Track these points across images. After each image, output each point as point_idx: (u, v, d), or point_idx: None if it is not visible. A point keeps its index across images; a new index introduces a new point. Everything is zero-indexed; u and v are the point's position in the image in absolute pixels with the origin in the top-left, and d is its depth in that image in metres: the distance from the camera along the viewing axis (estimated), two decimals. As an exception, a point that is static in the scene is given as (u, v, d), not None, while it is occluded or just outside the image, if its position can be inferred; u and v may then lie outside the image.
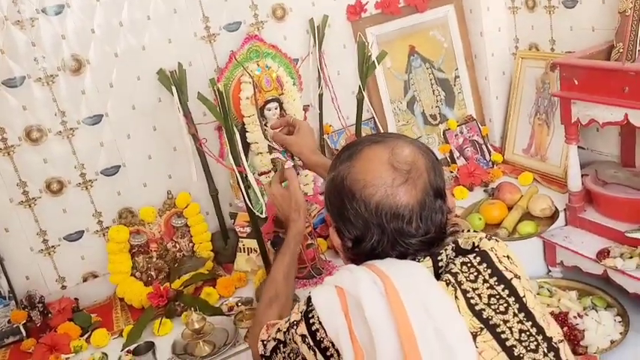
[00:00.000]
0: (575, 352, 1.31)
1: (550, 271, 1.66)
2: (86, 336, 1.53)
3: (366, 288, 0.80)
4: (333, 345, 0.82)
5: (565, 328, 1.36)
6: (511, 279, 0.85)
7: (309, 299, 0.87)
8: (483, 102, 2.09)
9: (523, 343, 0.81)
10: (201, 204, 1.77)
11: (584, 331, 1.38)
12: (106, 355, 1.44)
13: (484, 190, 1.88)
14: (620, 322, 1.41)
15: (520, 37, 1.98)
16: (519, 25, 1.97)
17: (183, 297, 1.53)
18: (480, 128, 2.04)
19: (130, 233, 1.69)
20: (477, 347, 0.77)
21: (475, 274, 0.85)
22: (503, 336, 0.80)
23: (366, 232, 0.85)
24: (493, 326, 0.80)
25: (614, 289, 1.45)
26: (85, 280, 1.73)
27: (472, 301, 0.81)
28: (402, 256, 0.85)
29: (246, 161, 1.65)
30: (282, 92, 1.73)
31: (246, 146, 1.68)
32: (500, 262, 0.87)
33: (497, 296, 0.83)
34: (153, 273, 1.70)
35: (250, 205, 1.53)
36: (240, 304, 1.53)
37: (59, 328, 1.53)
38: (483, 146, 2.02)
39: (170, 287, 1.56)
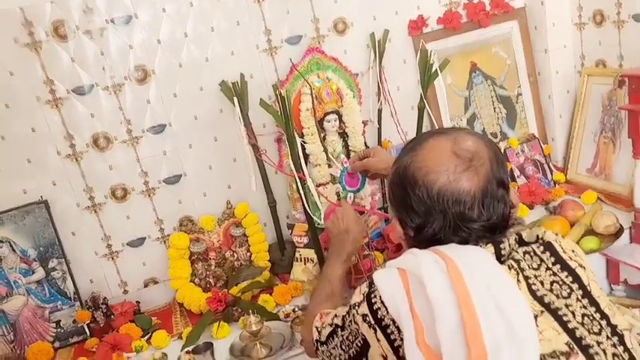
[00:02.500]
0: None
1: (612, 289, 1.54)
2: (147, 337, 1.50)
3: (427, 266, 0.77)
4: (394, 322, 0.79)
5: None
6: (575, 267, 0.81)
7: (371, 281, 0.85)
8: (546, 120, 1.96)
9: (585, 326, 0.74)
10: (259, 215, 1.69)
11: None
12: (165, 355, 1.41)
13: (545, 208, 1.74)
14: None
15: (586, 53, 1.84)
16: (586, 42, 1.83)
17: (241, 302, 1.50)
18: (542, 147, 1.92)
19: (190, 241, 1.64)
20: (537, 326, 0.72)
21: (538, 262, 0.80)
22: (565, 318, 0.74)
23: (428, 219, 0.82)
24: (555, 310, 0.75)
25: None
26: (145, 286, 1.68)
27: (533, 287, 0.77)
28: (463, 242, 0.82)
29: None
30: (341, 105, 1.62)
31: (305, 158, 1.59)
32: (565, 252, 0.82)
33: (560, 282, 0.78)
34: (211, 280, 1.63)
35: (310, 212, 1.46)
36: (297, 309, 1.48)
37: (121, 328, 1.52)
38: (545, 165, 1.90)
39: (228, 293, 1.52)
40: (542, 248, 0.81)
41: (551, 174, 1.86)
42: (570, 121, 1.87)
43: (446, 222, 0.79)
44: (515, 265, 0.79)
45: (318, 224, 1.48)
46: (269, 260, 1.67)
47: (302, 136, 1.59)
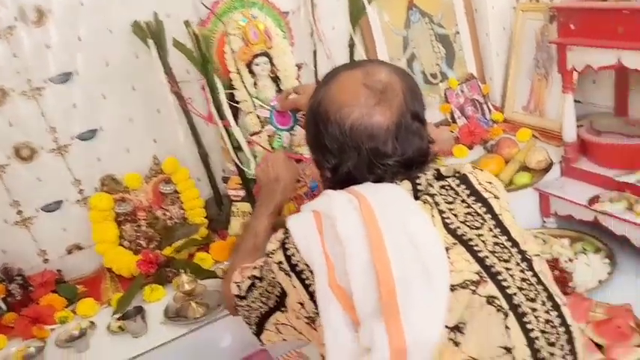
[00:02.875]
0: (564, 293, 1.26)
1: (545, 222, 1.59)
2: (72, 307, 1.37)
3: (339, 205, 0.74)
4: (308, 267, 0.75)
5: (556, 272, 1.33)
6: (489, 198, 0.80)
7: (286, 227, 0.79)
8: (484, 59, 1.90)
9: (496, 254, 0.74)
10: (191, 169, 1.56)
11: (572, 273, 1.35)
12: (93, 323, 1.30)
13: (483, 148, 1.74)
14: (608, 263, 1.38)
15: (521, -12, 1.87)
16: (520, -25, 1.84)
17: (175, 262, 1.39)
18: (480, 87, 1.88)
19: (115, 201, 1.48)
20: (449, 258, 0.71)
21: (453, 195, 0.78)
22: (476, 248, 0.74)
23: (343, 157, 0.78)
24: (466, 241, 0.74)
25: (604, 234, 1.42)
26: (69, 253, 1.51)
27: (447, 221, 0.76)
28: (379, 180, 0.78)
29: (235, 122, 1.40)
30: (271, 46, 1.45)
31: (236, 107, 1.45)
32: (480, 184, 0.80)
33: (474, 213, 0.77)
34: (143, 242, 1.49)
35: (239, 164, 1.36)
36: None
37: (42, 300, 1.37)
38: (484, 105, 1.86)
39: (161, 254, 1.41)
40: (457, 181, 0.79)
41: (490, 113, 1.84)
42: (507, 59, 1.84)
43: (360, 159, 0.77)
44: (430, 200, 0.76)
45: (250, 175, 1.38)
46: (206, 217, 1.55)
47: (230, 81, 1.42)
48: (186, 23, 1.26)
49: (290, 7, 1.56)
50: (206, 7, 1.38)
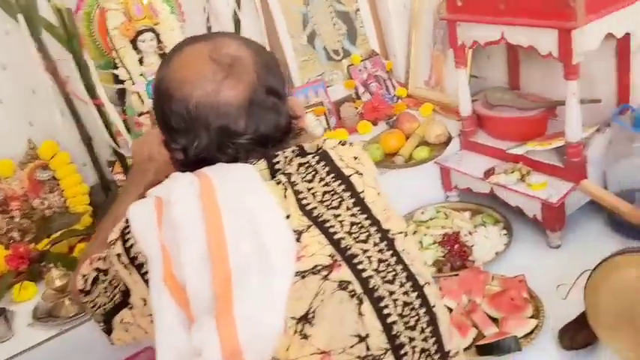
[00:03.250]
0: (464, 267, 1.30)
1: (448, 196, 1.60)
2: None
3: (179, 189, 0.67)
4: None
5: (456, 246, 1.35)
6: (350, 175, 0.74)
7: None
8: (386, 36, 1.89)
9: (353, 235, 0.69)
10: (75, 154, 1.44)
11: (472, 246, 1.36)
12: (-49, 331, 1.20)
13: (386, 123, 1.74)
14: (505, 234, 1.40)
15: (419, -35, 1.85)
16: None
17: (50, 256, 1.27)
18: (383, 63, 1.86)
19: None
20: (300, 242, 0.65)
21: (313, 173, 0.72)
22: (331, 230, 0.68)
23: (191, 137, 0.70)
24: (322, 222, 0.69)
25: (503, 206, 1.44)
26: None
27: (303, 202, 0.70)
28: (233, 160, 0.71)
29: (123, 102, 1.35)
30: (157, 22, 1.38)
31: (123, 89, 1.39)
32: (342, 160, 0.74)
33: (332, 192, 0.72)
34: (16, 235, 1.36)
35: (116, 147, 1.29)
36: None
37: None
38: (388, 81, 1.85)
39: (34, 247, 1.30)
40: (317, 158, 0.72)
41: (395, 89, 1.82)
42: (408, 35, 1.82)
43: (210, 139, 0.69)
44: (285, 180, 0.69)
45: (130, 158, 1.29)
46: (91, 204, 1.42)
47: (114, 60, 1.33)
48: (45, -7, 1.16)
49: (179, -20, 1.49)
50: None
